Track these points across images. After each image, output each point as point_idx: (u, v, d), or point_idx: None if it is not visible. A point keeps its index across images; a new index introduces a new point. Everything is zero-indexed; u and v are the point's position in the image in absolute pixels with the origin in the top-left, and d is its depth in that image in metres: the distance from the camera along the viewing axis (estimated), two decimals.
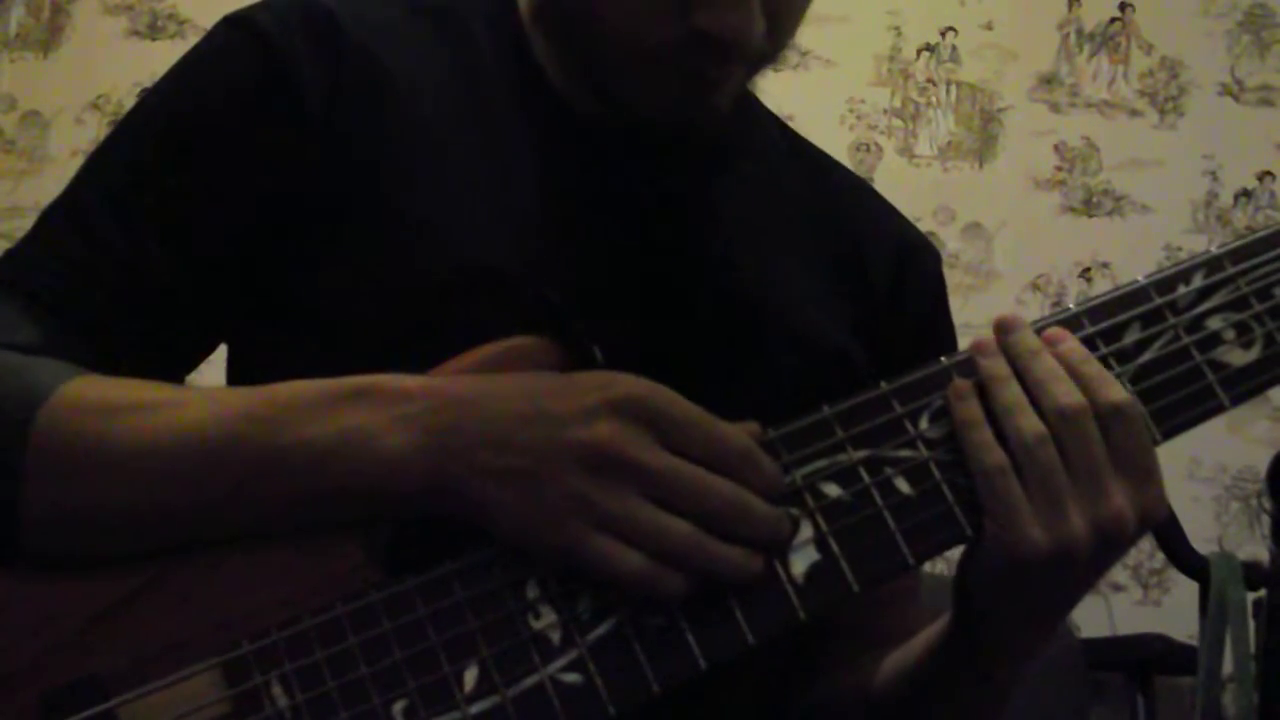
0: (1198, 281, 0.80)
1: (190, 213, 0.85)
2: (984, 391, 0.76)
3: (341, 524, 0.73)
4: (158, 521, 0.73)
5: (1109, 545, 0.74)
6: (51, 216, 0.87)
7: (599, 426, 0.70)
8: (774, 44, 0.85)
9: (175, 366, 0.87)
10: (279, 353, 0.86)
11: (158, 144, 0.86)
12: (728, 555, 0.71)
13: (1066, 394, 0.74)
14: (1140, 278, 0.80)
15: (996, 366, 0.76)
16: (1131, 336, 0.78)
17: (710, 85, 0.84)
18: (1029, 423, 0.74)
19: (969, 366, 0.77)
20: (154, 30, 3.82)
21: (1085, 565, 0.75)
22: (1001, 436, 0.75)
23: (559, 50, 0.89)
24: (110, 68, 3.76)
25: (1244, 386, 0.78)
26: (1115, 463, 0.74)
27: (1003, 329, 0.78)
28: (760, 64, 0.87)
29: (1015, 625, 0.80)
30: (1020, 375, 0.76)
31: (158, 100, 0.89)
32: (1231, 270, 0.80)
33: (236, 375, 0.91)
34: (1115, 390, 0.75)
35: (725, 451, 0.72)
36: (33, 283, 0.84)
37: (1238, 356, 0.78)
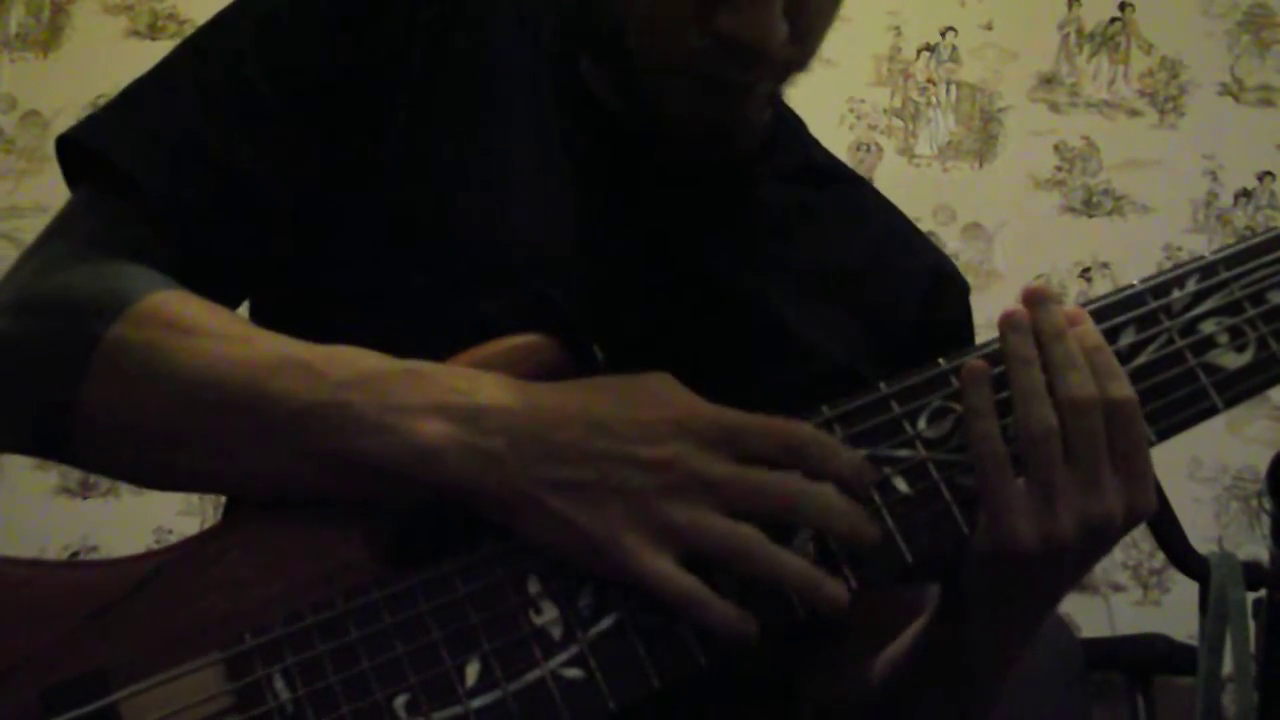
0: (1192, 286, 0.81)
1: (278, 121, 0.86)
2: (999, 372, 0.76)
3: (365, 501, 0.74)
4: (196, 448, 0.75)
5: (1096, 541, 0.75)
6: (144, 97, 0.88)
7: (668, 446, 0.71)
8: (800, 51, 0.85)
9: (225, 286, 0.87)
10: (291, 313, 0.86)
11: (258, 49, 0.88)
12: (790, 561, 0.72)
13: (1080, 385, 0.75)
14: (1135, 282, 0.81)
15: (1023, 346, 0.77)
16: (1127, 339, 0.79)
17: (737, 93, 0.85)
18: (1041, 413, 0.75)
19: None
20: (154, 30, 3.82)
21: (1072, 561, 0.76)
22: (1006, 424, 0.75)
23: (590, 61, 0.91)
24: (110, 68, 3.74)
25: (1237, 389, 0.79)
26: (1113, 459, 0.75)
27: (1033, 301, 0.78)
28: (787, 72, 0.87)
29: (998, 618, 0.81)
30: (1040, 355, 0.76)
31: (263, 6, 0.90)
32: (1225, 275, 0.81)
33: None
34: (1123, 385, 0.76)
35: (794, 445, 0.73)
36: (125, 164, 0.84)
37: (1231, 360, 0.79)
